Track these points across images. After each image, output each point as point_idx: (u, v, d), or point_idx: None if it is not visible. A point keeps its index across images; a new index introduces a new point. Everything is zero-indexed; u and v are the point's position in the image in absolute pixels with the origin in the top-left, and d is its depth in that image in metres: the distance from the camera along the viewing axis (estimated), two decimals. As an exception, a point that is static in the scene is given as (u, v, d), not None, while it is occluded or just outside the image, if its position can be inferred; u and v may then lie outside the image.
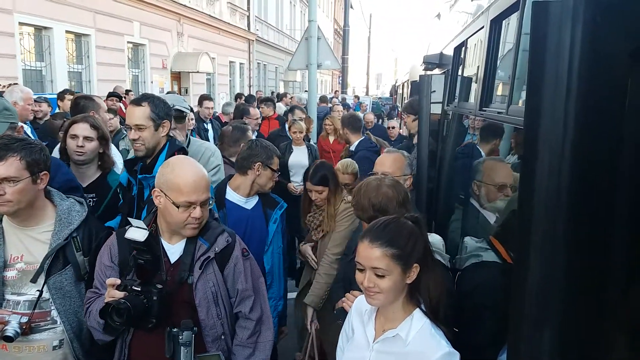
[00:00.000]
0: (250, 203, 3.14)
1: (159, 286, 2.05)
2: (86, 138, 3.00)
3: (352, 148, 5.69)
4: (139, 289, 2.00)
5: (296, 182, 5.61)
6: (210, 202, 2.22)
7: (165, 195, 2.11)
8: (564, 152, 0.99)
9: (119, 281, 2.03)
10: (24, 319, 2.17)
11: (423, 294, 1.75)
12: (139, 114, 2.77)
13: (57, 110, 6.57)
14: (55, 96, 7.34)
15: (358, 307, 1.94)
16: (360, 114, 8.22)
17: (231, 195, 3.11)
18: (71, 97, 6.83)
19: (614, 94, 0.99)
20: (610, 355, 1.11)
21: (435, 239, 2.42)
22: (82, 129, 3.01)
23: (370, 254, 1.69)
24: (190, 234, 2.17)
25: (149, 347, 2.10)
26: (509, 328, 1.12)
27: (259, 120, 6.60)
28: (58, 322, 2.25)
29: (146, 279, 2.05)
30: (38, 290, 2.19)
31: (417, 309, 1.75)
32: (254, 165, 3.07)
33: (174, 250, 2.21)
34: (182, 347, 2.02)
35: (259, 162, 3.07)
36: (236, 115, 7.23)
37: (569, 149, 0.99)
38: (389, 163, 3.19)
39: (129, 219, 2.18)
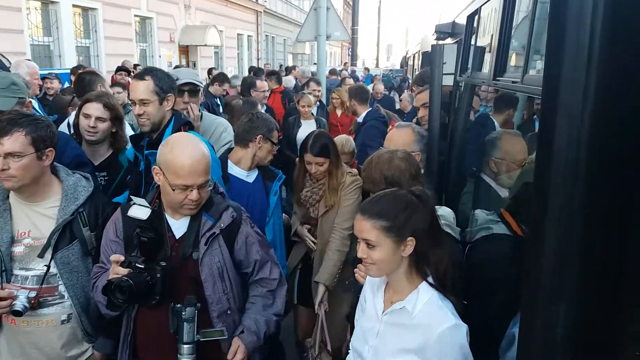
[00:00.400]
0: (251, 176, 3.14)
1: (163, 263, 2.05)
2: (99, 118, 2.98)
3: (360, 119, 5.61)
4: (143, 267, 2.00)
5: None
6: (210, 183, 2.18)
7: (164, 174, 2.09)
8: (583, 121, 0.95)
9: (122, 258, 2.03)
10: (32, 294, 2.20)
11: (431, 268, 1.74)
12: (143, 88, 2.73)
13: (69, 86, 6.56)
14: (67, 71, 7.33)
15: (370, 279, 1.94)
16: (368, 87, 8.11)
17: (233, 169, 3.10)
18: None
19: (637, 59, 0.95)
20: (627, 328, 1.09)
21: (445, 211, 2.41)
22: (95, 108, 2.99)
23: (362, 226, 1.72)
24: (187, 213, 2.17)
25: (154, 322, 2.12)
26: (522, 301, 1.10)
27: (266, 93, 6.50)
28: (66, 297, 2.29)
29: (150, 256, 2.05)
30: (46, 265, 2.22)
31: (424, 282, 1.75)
32: (255, 138, 3.06)
33: (178, 225, 2.20)
34: (185, 323, 2.04)
35: (260, 135, 3.06)
36: (243, 89, 7.17)
37: (588, 119, 0.95)
38: (397, 140, 3.11)
39: (131, 197, 2.18)
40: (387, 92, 9.14)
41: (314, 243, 3.30)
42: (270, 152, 3.15)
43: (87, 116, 2.97)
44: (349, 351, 2.09)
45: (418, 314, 1.69)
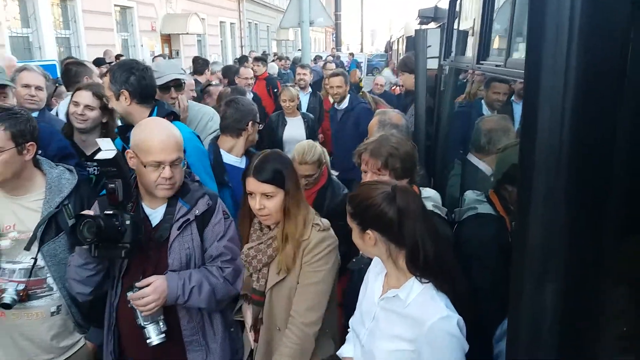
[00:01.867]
0: (243, 162, 3.15)
1: (132, 213, 2.08)
2: (87, 106, 2.97)
3: (341, 107, 5.41)
4: (111, 212, 2.01)
5: None
6: (184, 164, 2.19)
7: (137, 156, 2.11)
8: (564, 104, 0.97)
9: (92, 212, 2.04)
10: (21, 287, 2.20)
11: (420, 254, 1.71)
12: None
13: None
14: (48, 63, 7.21)
15: (374, 262, 1.96)
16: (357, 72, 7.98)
17: (227, 157, 3.10)
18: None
19: (616, 43, 0.96)
20: (612, 307, 1.12)
21: (431, 193, 2.43)
22: (84, 97, 2.98)
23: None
24: (162, 194, 2.16)
25: (132, 310, 2.10)
26: (510, 282, 1.13)
27: (250, 81, 6.38)
28: (54, 289, 2.29)
29: (119, 205, 2.05)
30: (33, 258, 2.21)
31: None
32: (247, 126, 3.08)
33: (155, 214, 2.21)
34: (133, 308, 2.06)
35: (250, 121, 3.09)
36: (227, 77, 7.09)
37: (570, 101, 0.97)
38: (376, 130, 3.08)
39: (97, 140, 2.18)
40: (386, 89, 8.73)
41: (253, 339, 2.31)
42: (256, 132, 3.22)
43: (77, 104, 2.96)
44: (348, 330, 2.11)
45: (411, 303, 1.70)
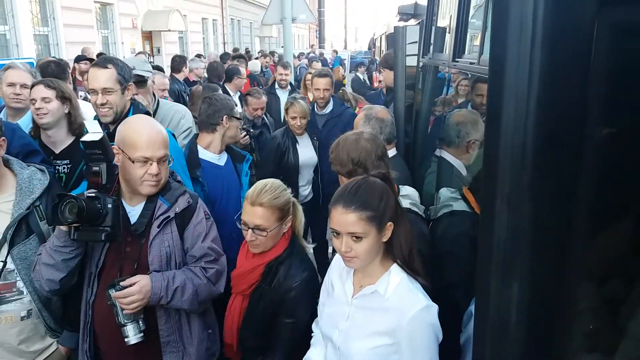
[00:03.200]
0: (222, 159, 3.15)
1: (114, 197, 2.06)
2: (43, 99, 2.87)
3: (325, 112, 4.73)
4: (94, 195, 1.99)
5: (303, 185, 4.34)
6: (170, 159, 2.19)
7: (123, 151, 2.08)
8: (529, 101, 0.97)
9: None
10: None
11: (395, 249, 1.76)
12: (107, 77, 2.68)
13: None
14: (30, 61, 7.09)
15: (337, 263, 1.95)
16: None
17: (204, 154, 3.09)
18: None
19: (580, 39, 0.96)
20: (578, 305, 1.12)
21: (409, 190, 2.44)
22: (37, 90, 2.89)
23: (346, 219, 1.67)
24: (147, 191, 2.14)
25: (109, 306, 2.08)
26: (476, 280, 1.13)
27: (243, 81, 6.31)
28: (25, 293, 2.24)
29: (101, 188, 2.03)
30: (2, 261, 2.16)
31: (394, 264, 1.77)
32: (221, 120, 3.06)
33: (134, 212, 2.19)
34: (113, 306, 2.04)
35: (225, 115, 3.07)
36: (211, 76, 7.01)
37: (534, 99, 0.96)
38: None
39: (85, 122, 2.14)
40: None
41: None
42: (237, 128, 3.19)
43: (34, 101, 2.88)
44: (312, 334, 2.10)
45: (390, 296, 1.71)
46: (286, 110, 4.21)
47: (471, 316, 1.71)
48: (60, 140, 2.97)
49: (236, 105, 3.38)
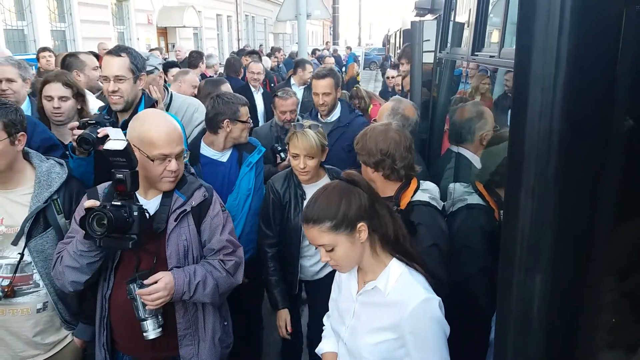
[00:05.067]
0: (225, 155, 3.07)
1: (139, 204, 2.05)
2: (61, 98, 2.90)
3: (330, 119, 3.82)
4: (120, 204, 1.98)
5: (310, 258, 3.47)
6: (185, 154, 2.19)
7: (139, 149, 2.07)
8: (555, 91, 0.95)
9: (98, 203, 1.99)
10: (6, 282, 2.17)
11: (384, 241, 1.73)
12: (120, 65, 2.70)
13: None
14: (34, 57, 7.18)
15: None
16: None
17: (206, 150, 3.05)
18: (45, 54, 6.68)
19: (608, 27, 0.95)
20: (601, 299, 1.11)
21: (430, 185, 2.42)
22: (55, 89, 2.90)
23: (310, 234, 1.69)
24: (167, 187, 2.14)
25: (126, 300, 2.09)
26: (499, 272, 1.11)
27: (256, 76, 6.21)
28: (41, 285, 2.25)
29: (126, 196, 2.02)
30: (19, 254, 2.18)
31: (393, 259, 1.75)
32: (222, 124, 2.96)
33: (149, 205, 2.17)
34: (132, 301, 2.04)
35: (226, 120, 2.96)
36: (229, 72, 6.99)
37: (561, 88, 0.95)
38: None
39: (106, 129, 2.14)
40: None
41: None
42: (242, 131, 3.05)
43: (50, 98, 2.90)
44: (323, 327, 2.10)
45: (390, 291, 1.70)
46: (287, 144, 2.86)
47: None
48: (67, 132, 3.00)
49: (246, 104, 3.11)
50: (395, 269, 1.72)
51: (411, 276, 1.71)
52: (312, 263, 2.90)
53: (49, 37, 10.52)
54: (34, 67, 6.75)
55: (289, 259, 2.86)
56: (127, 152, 1.96)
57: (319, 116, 3.87)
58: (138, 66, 2.74)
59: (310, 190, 2.58)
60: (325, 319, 2.12)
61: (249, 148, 3.11)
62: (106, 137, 2.12)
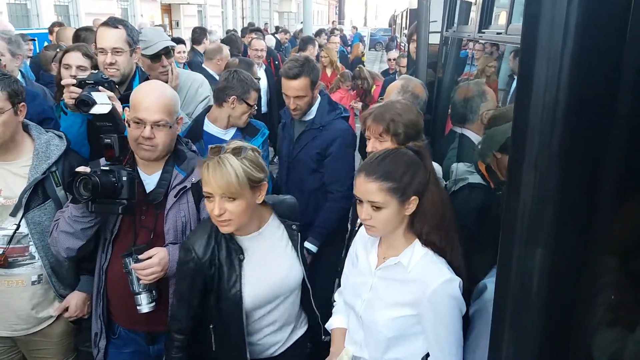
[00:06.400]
0: (229, 134, 3.05)
1: (129, 169, 2.05)
2: (79, 67, 2.88)
3: (304, 117, 3.12)
4: (108, 169, 1.99)
5: None
6: (172, 127, 2.15)
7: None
8: (562, 62, 0.93)
9: (88, 169, 1.99)
10: None
11: (417, 224, 1.74)
12: (117, 37, 2.67)
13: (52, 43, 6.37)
14: (43, 31, 7.14)
15: (362, 235, 1.95)
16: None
17: (209, 127, 3.03)
18: (59, 28, 6.63)
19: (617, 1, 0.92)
20: (601, 276, 1.10)
21: (433, 165, 2.41)
22: (74, 58, 2.89)
23: (367, 187, 1.68)
24: (142, 155, 2.14)
25: (123, 274, 2.11)
26: (499, 245, 1.11)
27: (260, 53, 6.18)
28: (36, 258, 2.26)
29: (115, 160, 2.04)
30: (15, 224, 2.18)
31: (417, 239, 1.76)
32: (228, 99, 2.93)
33: (150, 180, 2.19)
34: (127, 274, 2.07)
35: (234, 96, 2.93)
36: (231, 49, 6.96)
37: (567, 59, 0.93)
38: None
39: (92, 94, 2.15)
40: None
41: None
42: (244, 114, 2.99)
43: (68, 66, 2.89)
44: (334, 303, 2.11)
45: (413, 268, 1.71)
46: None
47: (483, 289, 1.71)
48: None
49: (258, 91, 3.03)
50: (420, 248, 1.73)
51: (434, 256, 1.72)
52: (264, 335, 2.12)
53: (52, 12, 10.46)
54: (35, 42, 6.70)
55: (232, 341, 2.03)
56: (112, 116, 1.95)
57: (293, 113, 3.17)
58: (134, 39, 2.72)
59: (251, 245, 2.03)
60: (336, 295, 2.12)
61: (252, 131, 3.08)
62: None
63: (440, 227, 1.73)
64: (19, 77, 3.46)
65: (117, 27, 2.68)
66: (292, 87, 2.96)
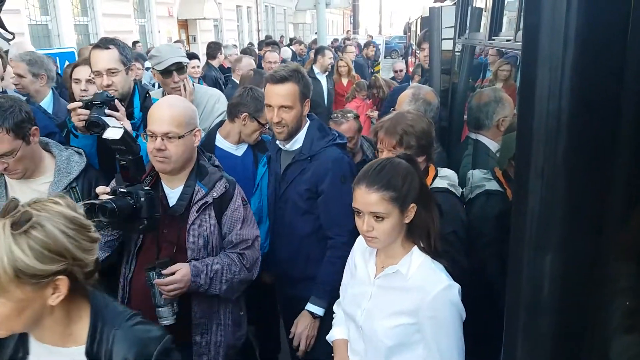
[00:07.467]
0: (240, 149, 3.06)
1: (147, 189, 2.09)
2: (89, 81, 2.94)
3: (291, 146, 2.55)
4: (126, 191, 2.02)
5: None
6: (182, 138, 2.13)
7: None
8: (564, 69, 0.94)
9: (108, 189, 2.04)
10: None
11: (415, 231, 1.75)
12: (110, 58, 2.66)
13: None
14: (64, 50, 7.32)
15: (360, 245, 1.96)
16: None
17: (221, 142, 3.05)
18: (81, 48, 6.82)
19: (619, 2, 0.93)
20: (613, 281, 1.10)
21: (448, 172, 2.41)
22: (84, 72, 2.95)
23: (368, 198, 1.68)
24: (158, 167, 2.18)
25: (146, 286, 2.13)
26: (510, 252, 1.11)
27: (273, 65, 6.28)
28: None
29: (132, 181, 2.08)
30: None
31: (416, 246, 1.77)
32: (240, 115, 2.94)
33: (173, 194, 2.23)
34: (151, 287, 2.09)
35: (245, 113, 2.93)
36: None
37: (569, 67, 0.94)
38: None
39: (104, 118, 2.19)
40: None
41: None
42: (254, 132, 3.00)
43: (78, 81, 2.93)
44: (334, 315, 2.12)
45: (412, 276, 1.71)
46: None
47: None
48: None
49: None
50: (418, 255, 1.74)
51: (433, 263, 1.73)
52: None
53: (72, 31, 10.70)
54: (57, 61, 6.87)
55: None
56: (124, 140, 2.00)
57: (277, 141, 2.61)
58: (127, 57, 2.72)
59: None
60: (335, 307, 2.13)
61: (263, 148, 3.07)
62: None
63: (436, 233, 1.74)
64: (49, 95, 3.55)
65: (108, 48, 2.67)
66: (277, 94, 2.42)
